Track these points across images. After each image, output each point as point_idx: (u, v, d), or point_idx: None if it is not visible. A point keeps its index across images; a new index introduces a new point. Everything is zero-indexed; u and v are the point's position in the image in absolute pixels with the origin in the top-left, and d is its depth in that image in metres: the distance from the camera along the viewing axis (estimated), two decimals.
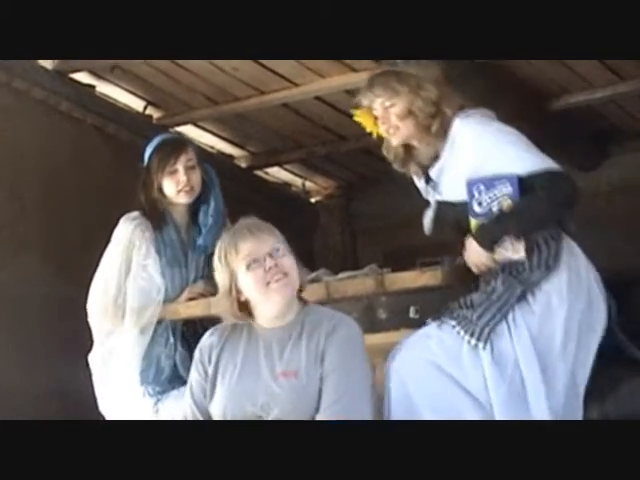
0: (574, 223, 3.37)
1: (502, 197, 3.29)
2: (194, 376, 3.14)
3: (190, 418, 3.11)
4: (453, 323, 3.23)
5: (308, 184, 7.03)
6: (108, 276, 3.82)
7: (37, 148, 4.72)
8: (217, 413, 3.05)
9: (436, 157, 3.45)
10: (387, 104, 3.41)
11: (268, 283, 3.03)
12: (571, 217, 3.37)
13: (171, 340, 3.84)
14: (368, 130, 3.57)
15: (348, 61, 4.81)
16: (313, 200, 7.21)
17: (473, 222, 3.35)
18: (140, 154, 3.95)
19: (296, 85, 5.15)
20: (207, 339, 3.17)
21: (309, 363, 3.00)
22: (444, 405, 3.14)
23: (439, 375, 3.18)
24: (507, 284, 3.22)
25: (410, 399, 3.17)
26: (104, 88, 5.17)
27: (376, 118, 3.48)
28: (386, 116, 3.43)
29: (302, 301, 3.15)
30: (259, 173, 6.58)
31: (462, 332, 3.19)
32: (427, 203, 3.55)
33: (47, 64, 4.80)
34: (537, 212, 3.28)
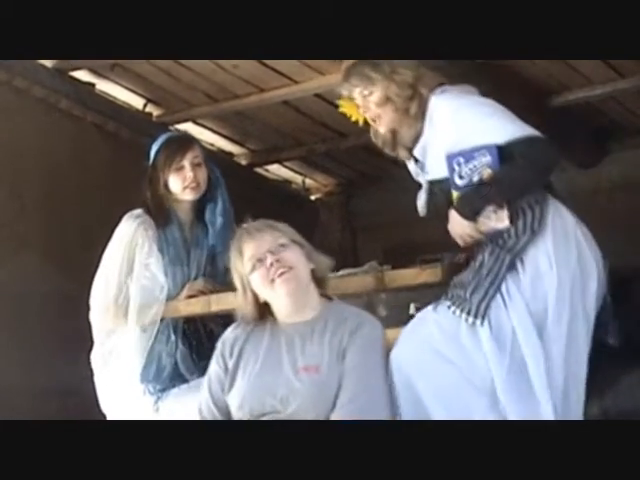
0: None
1: (482, 167, 3.28)
2: (214, 368, 3.18)
3: (204, 409, 3.15)
4: (448, 304, 3.21)
5: (308, 181, 7.02)
6: (109, 275, 3.82)
7: (37, 146, 4.72)
8: (235, 404, 3.07)
9: (418, 138, 3.45)
10: (365, 93, 3.44)
11: (272, 280, 3.06)
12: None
13: (172, 338, 3.84)
14: (354, 119, 3.58)
15: None
16: (313, 197, 7.20)
17: (455, 195, 3.35)
18: (140, 152, 3.96)
19: (296, 82, 5.14)
20: (232, 332, 3.21)
21: (331, 359, 3.03)
22: (448, 394, 3.11)
23: (441, 363, 3.15)
24: (495, 255, 3.20)
25: (415, 392, 3.13)
26: (104, 86, 5.16)
27: (359, 107, 3.50)
28: (366, 105, 3.46)
29: (326, 297, 3.19)
30: (259, 171, 6.57)
31: (458, 311, 3.17)
32: (420, 185, 3.55)
33: (47, 62, 4.80)
34: (517, 179, 3.27)
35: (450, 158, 3.33)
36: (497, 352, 3.10)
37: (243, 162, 6.36)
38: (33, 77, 4.71)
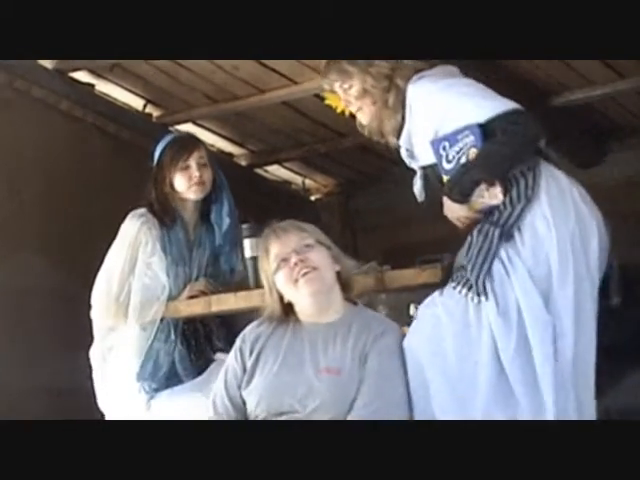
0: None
1: (467, 148, 3.27)
2: (231, 362, 3.20)
3: (219, 404, 3.17)
4: (453, 284, 3.21)
5: (308, 182, 7.01)
6: (112, 273, 3.84)
7: (37, 147, 4.72)
8: (253, 402, 3.08)
9: (402, 127, 3.46)
10: (345, 87, 3.48)
11: (296, 280, 3.08)
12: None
13: (172, 337, 3.86)
14: (339, 111, 3.61)
15: None
16: (313, 198, 7.20)
17: (446, 179, 3.35)
18: (139, 152, 3.97)
19: (296, 83, 5.14)
20: (254, 328, 3.24)
21: (353, 363, 3.06)
22: (455, 375, 3.09)
23: (449, 344, 3.12)
24: (483, 232, 3.18)
25: (424, 376, 3.12)
26: (104, 87, 5.16)
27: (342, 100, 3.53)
28: (347, 98, 3.50)
29: (351, 301, 3.22)
30: (259, 171, 6.56)
31: (462, 289, 3.16)
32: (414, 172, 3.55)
33: (47, 63, 4.80)
34: (502, 153, 3.25)
35: (435, 144, 3.33)
36: (503, 328, 3.08)
37: (243, 163, 6.36)
38: (33, 78, 4.71)
